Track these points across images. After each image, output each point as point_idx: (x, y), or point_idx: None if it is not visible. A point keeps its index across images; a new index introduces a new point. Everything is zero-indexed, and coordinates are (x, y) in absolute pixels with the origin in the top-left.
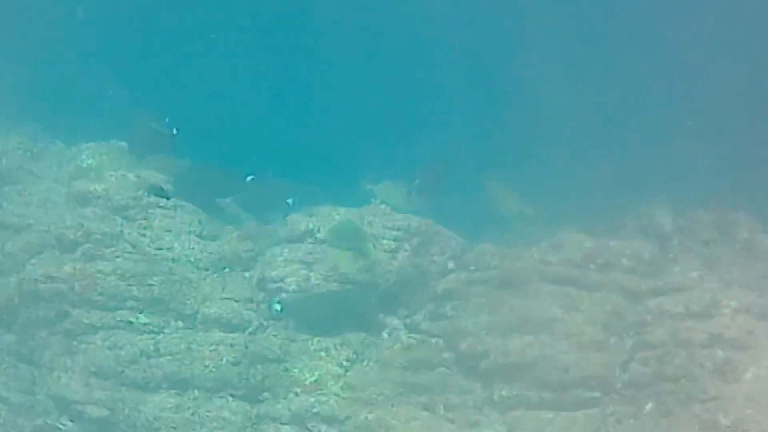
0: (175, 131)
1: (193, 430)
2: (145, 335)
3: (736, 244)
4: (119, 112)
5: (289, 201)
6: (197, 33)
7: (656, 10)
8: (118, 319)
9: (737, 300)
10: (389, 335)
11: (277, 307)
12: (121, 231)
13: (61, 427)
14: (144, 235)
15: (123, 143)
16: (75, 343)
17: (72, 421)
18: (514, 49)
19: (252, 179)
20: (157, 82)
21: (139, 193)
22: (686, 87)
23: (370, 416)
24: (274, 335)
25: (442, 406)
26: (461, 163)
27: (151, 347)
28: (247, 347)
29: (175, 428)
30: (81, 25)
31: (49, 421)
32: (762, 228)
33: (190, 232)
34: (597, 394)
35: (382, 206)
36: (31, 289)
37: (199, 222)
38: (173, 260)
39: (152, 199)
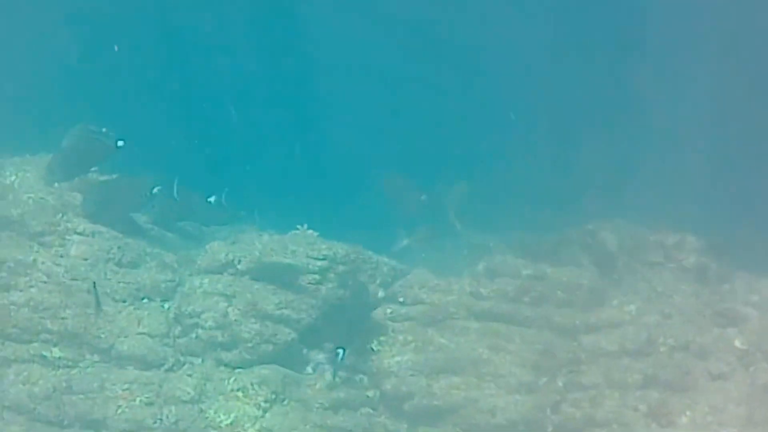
0: (120, 143)
1: None
2: (59, 370)
3: (681, 269)
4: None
5: (211, 199)
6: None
7: None
8: (32, 352)
9: (675, 337)
10: (314, 371)
11: None
12: (35, 260)
13: None
14: (59, 264)
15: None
16: None
17: None
18: None
19: (159, 190)
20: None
21: (57, 217)
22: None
23: None
24: (189, 374)
25: None
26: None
27: (64, 384)
28: (161, 386)
29: None
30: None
31: None
32: (709, 252)
33: (108, 260)
34: None
35: (309, 232)
36: None
37: (118, 248)
38: (88, 292)
39: (69, 222)
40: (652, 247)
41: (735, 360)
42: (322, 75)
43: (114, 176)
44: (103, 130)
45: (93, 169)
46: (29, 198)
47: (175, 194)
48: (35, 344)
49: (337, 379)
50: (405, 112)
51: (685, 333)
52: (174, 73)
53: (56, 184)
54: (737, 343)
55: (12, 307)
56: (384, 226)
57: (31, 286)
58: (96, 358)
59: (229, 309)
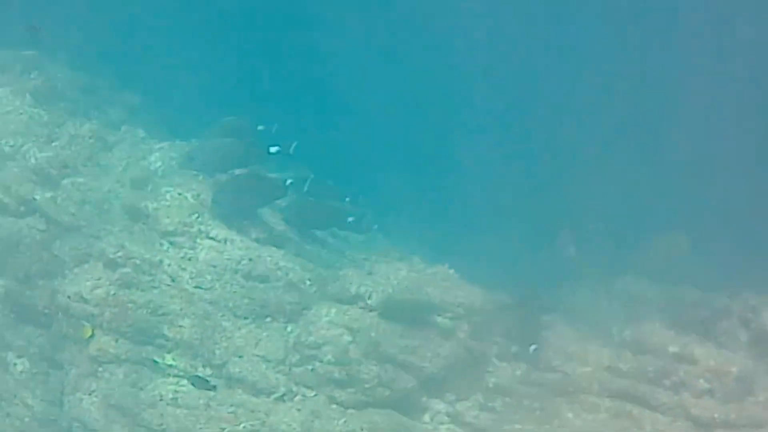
0: (273, 149)
1: None
2: (169, 378)
3: None
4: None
5: (350, 219)
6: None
7: None
8: (144, 355)
9: None
10: (431, 420)
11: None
12: (161, 260)
13: None
14: (185, 269)
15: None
16: (100, 369)
17: None
18: None
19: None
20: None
21: (192, 218)
22: None
23: None
24: (299, 408)
25: None
26: None
27: (171, 395)
28: (267, 416)
29: None
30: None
31: None
32: None
33: (236, 271)
34: None
35: (450, 271)
36: (63, 304)
37: (249, 260)
38: (210, 303)
39: (203, 224)
40: None
41: None
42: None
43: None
44: (259, 127)
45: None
46: (167, 192)
47: (305, 190)
48: (149, 348)
49: None
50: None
51: None
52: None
53: (200, 177)
54: None
55: (131, 305)
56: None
57: (154, 287)
58: (208, 372)
59: (351, 345)
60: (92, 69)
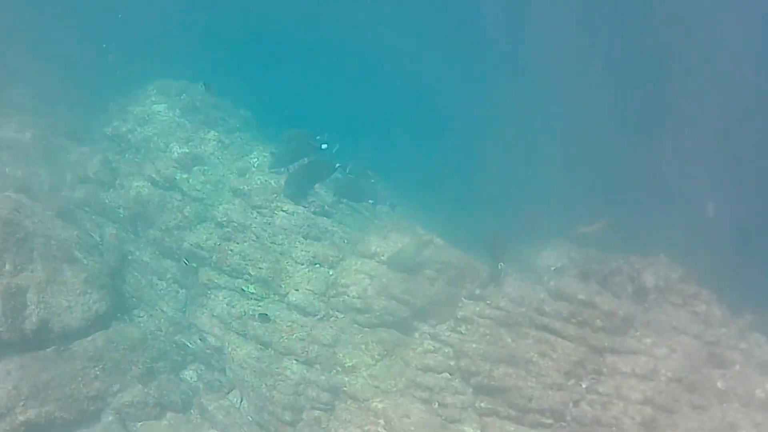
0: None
1: (263, 377)
2: (251, 301)
3: (694, 313)
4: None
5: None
6: None
7: None
8: (236, 285)
9: (673, 371)
10: (419, 337)
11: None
12: (250, 224)
13: (189, 344)
14: (265, 230)
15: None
16: (209, 292)
17: (201, 340)
18: None
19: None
20: None
21: (273, 197)
22: None
23: (380, 405)
24: (331, 327)
25: (437, 403)
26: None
27: (251, 311)
28: (312, 330)
29: (254, 372)
30: None
31: (183, 339)
32: (718, 300)
33: (299, 233)
34: (550, 421)
35: (439, 239)
36: (187, 249)
37: (308, 225)
38: (281, 253)
39: (279, 201)
40: (677, 291)
41: (714, 397)
42: None
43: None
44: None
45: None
46: (259, 179)
47: (347, 171)
48: (239, 280)
49: None
50: None
51: (682, 368)
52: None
53: (282, 170)
54: (719, 384)
55: (229, 252)
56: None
57: (245, 242)
58: (276, 298)
59: (369, 287)
60: (221, 93)
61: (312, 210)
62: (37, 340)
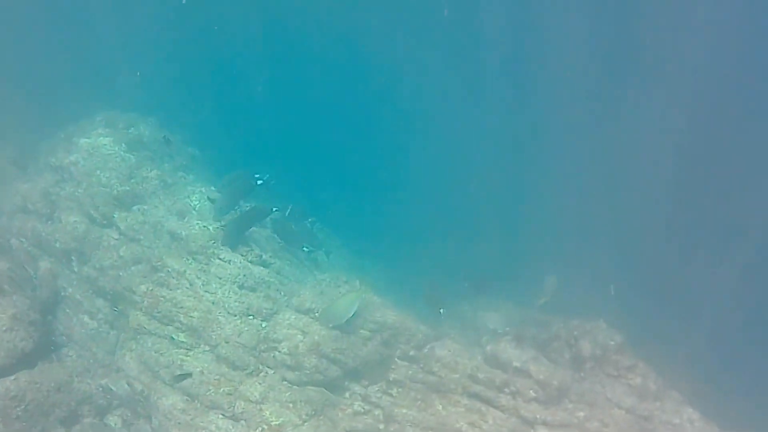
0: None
1: (188, 429)
2: (180, 350)
3: (629, 386)
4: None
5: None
6: None
7: None
8: (166, 333)
9: None
10: (349, 397)
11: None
12: (185, 270)
13: (115, 389)
14: (199, 278)
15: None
16: (139, 337)
17: (128, 386)
18: None
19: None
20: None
21: (210, 243)
22: None
23: None
24: (260, 383)
25: None
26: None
27: (179, 361)
28: (240, 384)
29: (179, 424)
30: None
31: (109, 384)
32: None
33: (234, 282)
34: None
35: (375, 297)
36: (119, 292)
37: (244, 275)
38: (213, 303)
39: (216, 249)
40: (613, 362)
41: None
42: None
43: (249, 206)
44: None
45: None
46: (197, 224)
47: (287, 214)
48: (170, 327)
49: None
50: None
51: None
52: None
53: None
54: None
55: (161, 298)
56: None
57: (178, 288)
58: (206, 348)
59: (301, 343)
60: (171, 129)
61: (249, 259)
62: None
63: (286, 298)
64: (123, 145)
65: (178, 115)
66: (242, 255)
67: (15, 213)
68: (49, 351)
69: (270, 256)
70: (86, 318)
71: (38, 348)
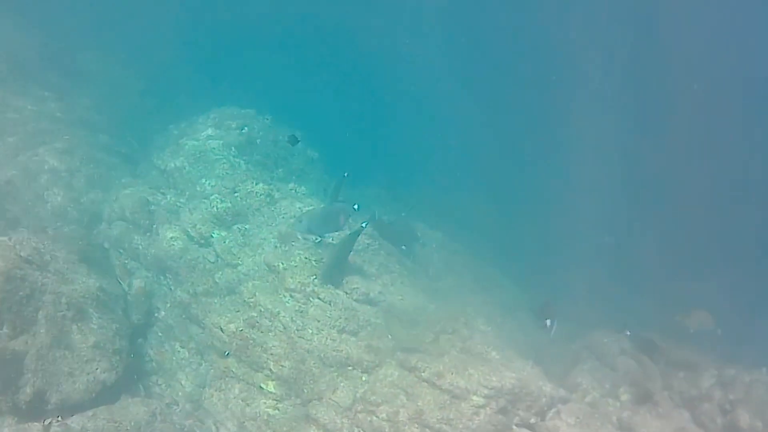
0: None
1: None
2: (268, 401)
3: None
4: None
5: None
6: None
7: None
8: (254, 380)
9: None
10: None
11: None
12: (279, 312)
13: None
14: (294, 321)
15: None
16: (226, 379)
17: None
18: None
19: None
20: None
21: (310, 279)
22: None
23: None
24: None
25: None
26: None
27: (266, 415)
28: None
29: None
30: None
31: (195, 426)
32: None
33: (333, 327)
34: None
35: (493, 354)
36: (209, 329)
37: (345, 318)
38: (308, 352)
39: (316, 288)
40: None
41: None
42: None
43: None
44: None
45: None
46: (299, 254)
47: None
48: (259, 374)
49: None
50: None
51: None
52: None
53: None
54: None
55: (251, 341)
56: None
57: (270, 332)
58: (297, 402)
59: (402, 408)
60: (291, 126)
61: (354, 297)
62: (30, 412)
63: (392, 345)
64: (233, 149)
65: (298, 113)
66: (346, 293)
67: (115, 221)
68: (134, 380)
69: (379, 291)
70: (178, 345)
71: (122, 378)
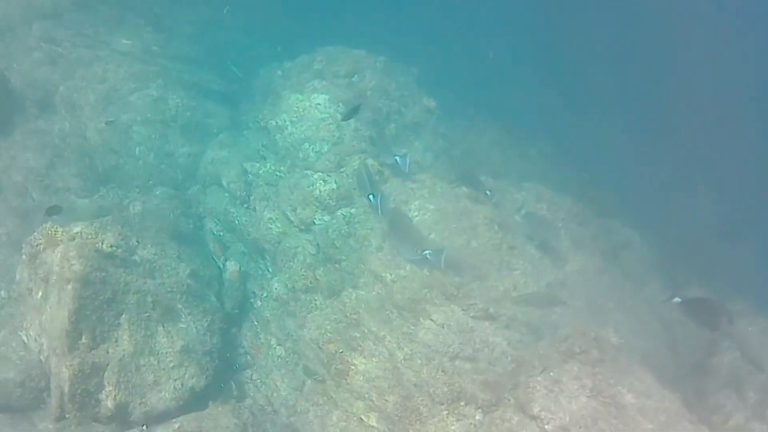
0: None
1: None
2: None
3: None
4: None
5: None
6: None
7: None
8: (356, 411)
9: None
10: None
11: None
12: (384, 336)
13: None
14: (401, 348)
15: None
16: (321, 397)
17: None
18: None
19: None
20: None
21: (423, 292)
22: None
23: None
24: None
25: None
26: None
27: None
28: None
29: None
30: None
31: None
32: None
33: (445, 354)
34: None
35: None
36: (306, 342)
37: (460, 343)
38: (416, 385)
39: (429, 307)
40: None
41: None
42: None
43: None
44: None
45: None
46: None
47: None
48: (359, 403)
49: None
50: None
51: None
52: None
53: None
54: None
55: (352, 366)
56: None
57: (373, 357)
58: None
59: None
60: (405, 72)
61: (471, 314)
62: (111, 426)
63: (512, 379)
64: (340, 105)
65: (414, 53)
66: (463, 309)
67: (210, 185)
68: (232, 371)
69: (497, 305)
70: (273, 341)
71: (213, 382)
